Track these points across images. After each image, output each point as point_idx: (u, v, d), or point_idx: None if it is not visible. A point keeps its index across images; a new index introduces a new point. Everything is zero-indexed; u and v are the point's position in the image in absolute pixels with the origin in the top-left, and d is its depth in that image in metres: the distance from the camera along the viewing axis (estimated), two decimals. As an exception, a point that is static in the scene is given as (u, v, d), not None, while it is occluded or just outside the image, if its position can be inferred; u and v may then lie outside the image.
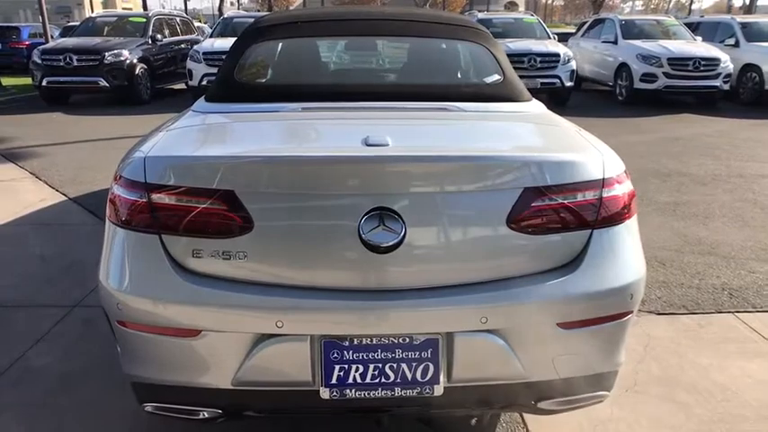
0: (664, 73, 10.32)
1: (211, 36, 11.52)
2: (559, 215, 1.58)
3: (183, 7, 29.63)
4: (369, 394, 1.54)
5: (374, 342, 1.53)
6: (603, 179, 1.64)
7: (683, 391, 2.32)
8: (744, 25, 11.74)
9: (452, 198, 1.54)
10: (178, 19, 12.61)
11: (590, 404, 1.73)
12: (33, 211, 4.49)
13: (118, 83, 10.00)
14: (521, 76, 2.38)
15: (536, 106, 2.20)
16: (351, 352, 1.53)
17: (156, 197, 1.55)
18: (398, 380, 1.54)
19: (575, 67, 10.59)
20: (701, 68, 10.28)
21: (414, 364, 1.54)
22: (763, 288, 3.27)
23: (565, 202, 1.58)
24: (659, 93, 10.43)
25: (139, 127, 8.17)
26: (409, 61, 2.52)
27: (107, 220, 1.68)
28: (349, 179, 1.51)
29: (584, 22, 14.02)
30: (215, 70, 10.19)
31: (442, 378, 1.54)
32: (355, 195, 1.51)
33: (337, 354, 1.52)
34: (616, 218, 1.65)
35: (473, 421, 2.13)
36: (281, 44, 2.45)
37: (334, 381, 1.53)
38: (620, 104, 10.72)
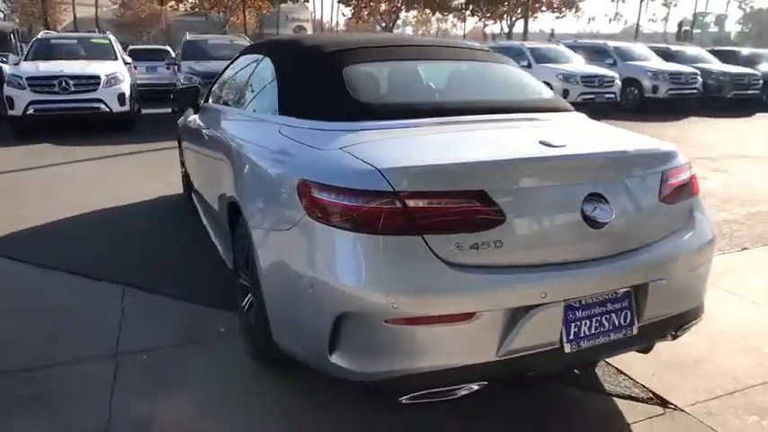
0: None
1: (26, 59, 10.10)
2: (681, 189, 2.16)
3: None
4: (594, 342, 1.92)
5: (593, 300, 1.91)
6: (689, 162, 2.27)
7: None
8: (616, 48, 15.01)
9: (631, 181, 2.01)
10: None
11: (695, 325, 2.32)
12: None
13: None
14: None
15: (582, 115, 2.75)
16: (580, 311, 1.89)
17: (411, 203, 1.74)
18: (610, 327, 1.95)
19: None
20: (605, 83, 12.90)
21: (619, 313, 1.96)
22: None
23: (681, 179, 2.17)
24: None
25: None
26: (479, 81, 2.84)
27: (340, 233, 1.79)
28: (570, 172, 1.90)
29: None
30: (44, 97, 9.04)
31: (636, 320, 2.00)
32: (574, 185, 1.90)
33: (572, 314, 1.88)
34: (696, 190, 2.29)
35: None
36: (375, 67, 2.62)
37: (572, 336, 1.88)
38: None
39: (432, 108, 2.35)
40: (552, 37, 48.84)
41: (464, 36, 42.29)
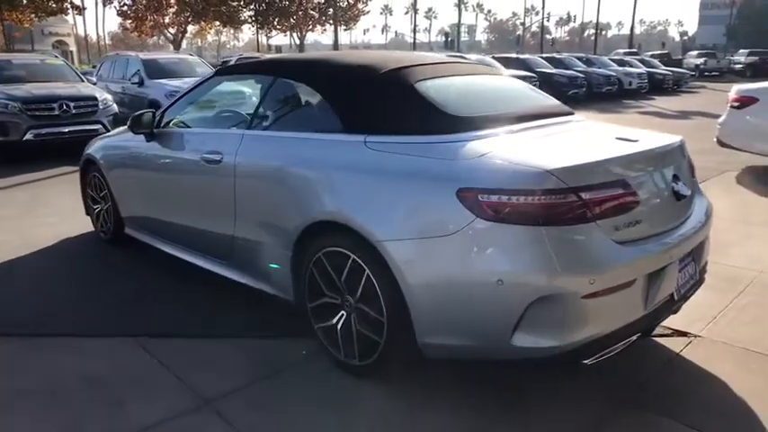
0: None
1: None
2: (692, 166, 2.83)
3: None
4: (684, 289, 2.48)
5: (683, 257, 2.46)
6: None
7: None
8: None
9: (683, 163, 2.62)
10: None
11: None
12: None
13: None
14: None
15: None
16: (680, 264, 2.43)
17: (584, 195, 2.08)
18: (689, 276, 2.53)
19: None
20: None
21: (691, 264, 2.55)
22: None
23: (690, 158, 2.85)
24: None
25: None
26: (510, 92, 3.15)
27: (530, 230, 2.06)
28: (662, 160, 2.46)
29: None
30: None
31: (698, 268, 2.61)
32: (665, 169, 2.44)
33: (679, 268, 2.41)
34: None
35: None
36: (436, 83, 2.77)
37: (676, 286, 2.41)
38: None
39: (503, 117, 2.65)
40: (336, 48, 51.41)
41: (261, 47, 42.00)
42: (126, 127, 4.72)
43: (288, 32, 43.02)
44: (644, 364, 2.77)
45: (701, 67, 35.07)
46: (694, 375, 2.70)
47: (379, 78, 2.75)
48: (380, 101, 2.69)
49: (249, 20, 39.39)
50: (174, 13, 35.39)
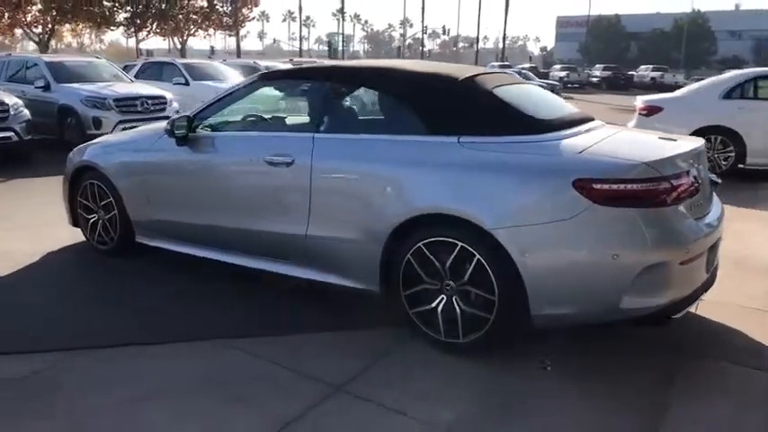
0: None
1: None
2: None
3: None
4: (715, 262, 3.08)
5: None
6: None
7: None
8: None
9: (705, 160, 3.24)
10: None
11: None
12: None
13: None
14: None
15: None
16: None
17: (674, 182, 2.60)
18: (716, 251, 3.14)
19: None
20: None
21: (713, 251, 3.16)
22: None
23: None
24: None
25: None
26: (550, 99, 3.57)
27: (638, 211, 2.52)
28: (700, 156, 3.03)
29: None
30: None
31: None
32: (701, 163, 3.02)
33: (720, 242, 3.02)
34: None
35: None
36: (505, 89, 3.14)
37: (717, 259, 3.01)
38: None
39: (562, 120, 3.10)
40: (213, 53, 49.93)
41: (135, 51, 39.36)
42: (128, 131, 4.65)
43: (167, 37, 40.96)
44: (681, 320, 3.35)
45: (565, 79, 39.01)
46: (721, 328, 3.33)
47: (461, 85, 3.08)
48: (466, 105, 3.02)
49: (125, 22, 36.98)
50: (38, 12, 32.19)
